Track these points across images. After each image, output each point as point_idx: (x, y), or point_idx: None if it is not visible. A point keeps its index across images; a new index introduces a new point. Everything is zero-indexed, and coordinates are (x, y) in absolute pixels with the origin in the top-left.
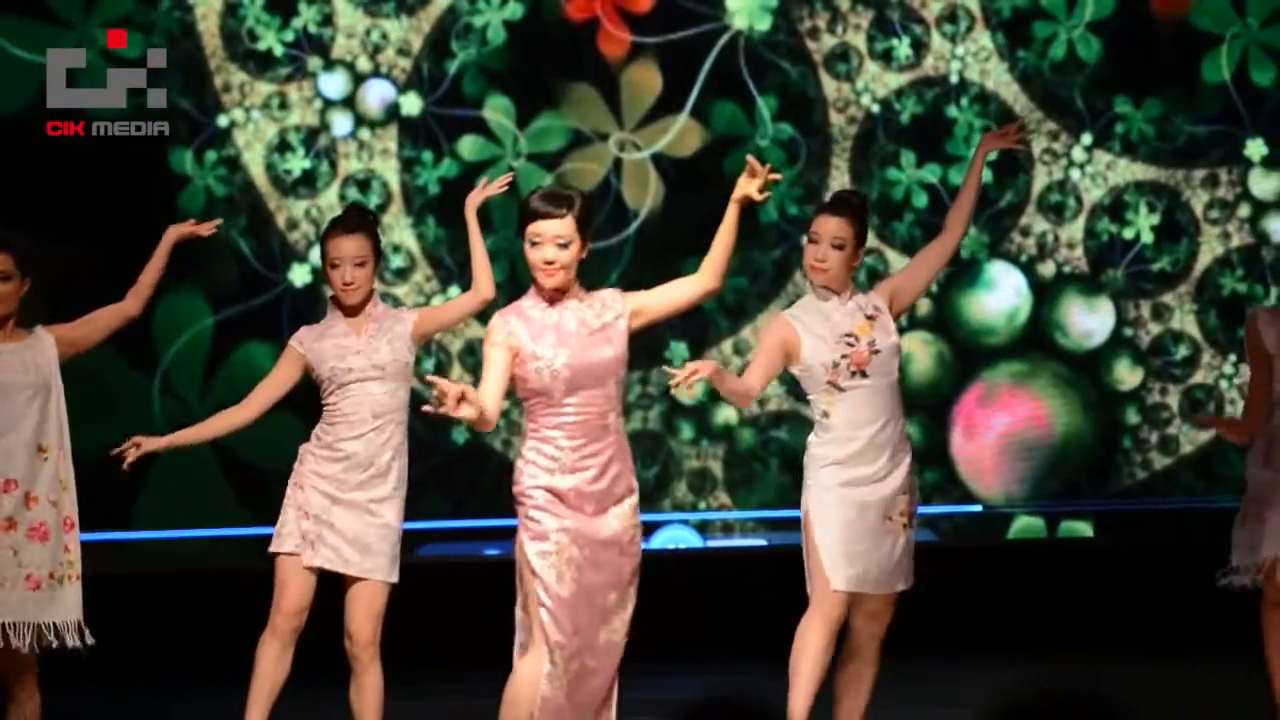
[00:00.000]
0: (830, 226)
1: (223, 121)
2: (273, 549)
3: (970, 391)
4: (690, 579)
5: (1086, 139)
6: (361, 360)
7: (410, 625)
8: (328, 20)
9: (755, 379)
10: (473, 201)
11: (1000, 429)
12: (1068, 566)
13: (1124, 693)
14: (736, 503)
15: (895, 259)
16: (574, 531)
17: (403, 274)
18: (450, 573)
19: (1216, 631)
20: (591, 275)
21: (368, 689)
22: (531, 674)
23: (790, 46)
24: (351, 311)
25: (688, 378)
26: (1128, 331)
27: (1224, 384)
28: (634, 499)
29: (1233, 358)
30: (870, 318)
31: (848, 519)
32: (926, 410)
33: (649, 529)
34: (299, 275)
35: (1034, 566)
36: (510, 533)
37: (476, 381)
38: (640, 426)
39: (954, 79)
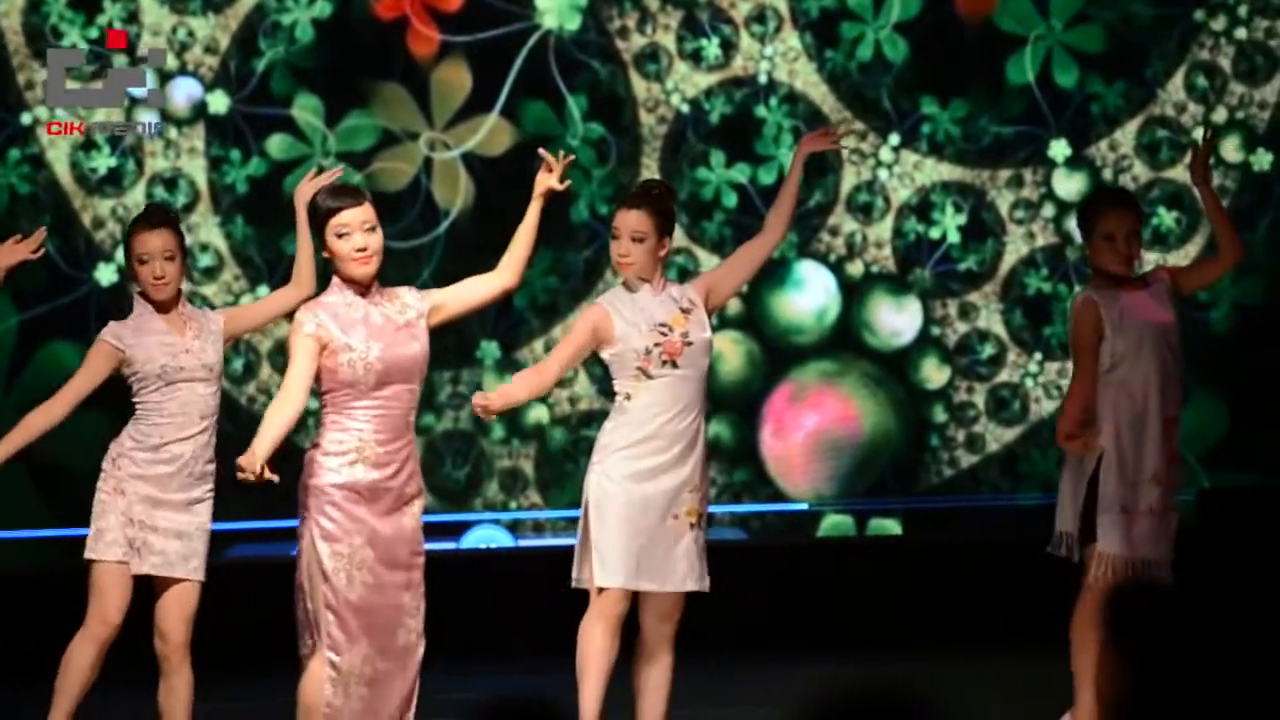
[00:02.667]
0: (630, 220)
1: (26, 119)
2: (92, 555)
3: (780, 390)
4: (501, 578)
5: (894, 139)
6: (192, 360)
7: (218, 626)
8: (133, 17)
9: (553, 367)
10: (303, 193)
11: (810, 428)
12: (876, 564)
13: (933, 688)
14: (548, 502)
15: (705, 258)
16: (369, 532)
17: (211, 273)
18: (256, 573)
19: (1023, 627)
20: (403, 274)
21: (178, 690)
22: (322, 676)
23: (600, 46)
24: (164, 308)
25: (484, 411)
26: (935, 330)
27: (1029, 382)
28: (423, 500)
29: (1038, 356)
30: (685, 310)
31: (628, 514)
32: (736, 409)
33: (460, 528)
34: (105, 274)
35: (843, 564)
36: None
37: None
38: (451, 426)
39: (763, 79)
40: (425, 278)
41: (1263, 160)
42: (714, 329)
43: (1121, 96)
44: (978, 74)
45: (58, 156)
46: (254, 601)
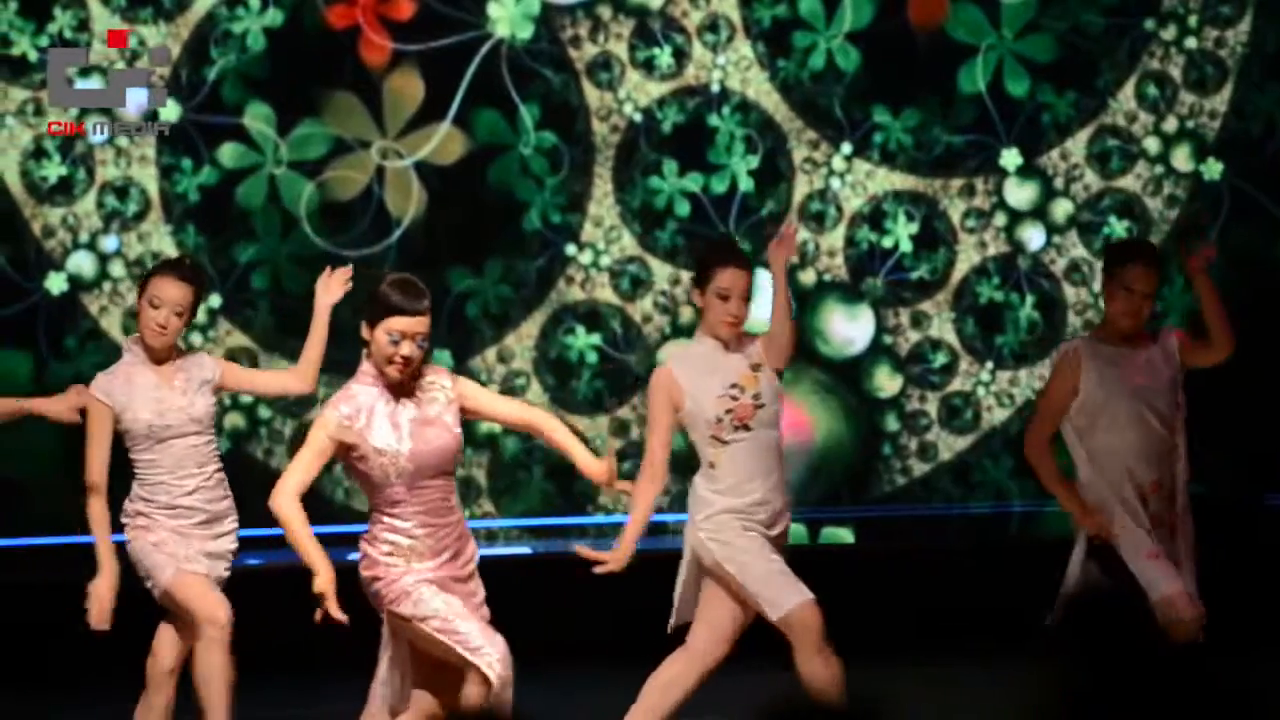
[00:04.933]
0: (744, 281)
1: None
2: (162, 585)
3: None
4: None
5: (846, 148)
6: (180, 416)
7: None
8: (83, 25)
9: (658, 455)
10: (330, 291)
11: None
12: (829, 572)
13: (884, 696)
14: (501, 511)
15: (658, 267)
16: (428, 577)
17: None
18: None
19: (975, 634)
20: (354, 283)
21: (157, 709)
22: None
23: (552, 55)
24: (156, 357)
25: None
26: (887, 339)
27: (980, 390)
28: (475, 562)
29: (990, 365)
30: (755, 367)
31: (760, 552)
32: None
33: None
34: (55, 284)
35: (796, 572)
36: (270, 541)
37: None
38: None
39: (715, 88)
40: None
41: (1213, 169)
42: (665, 337)
43: (1072, 106)
44: (929, 83)
45: (7, 165)
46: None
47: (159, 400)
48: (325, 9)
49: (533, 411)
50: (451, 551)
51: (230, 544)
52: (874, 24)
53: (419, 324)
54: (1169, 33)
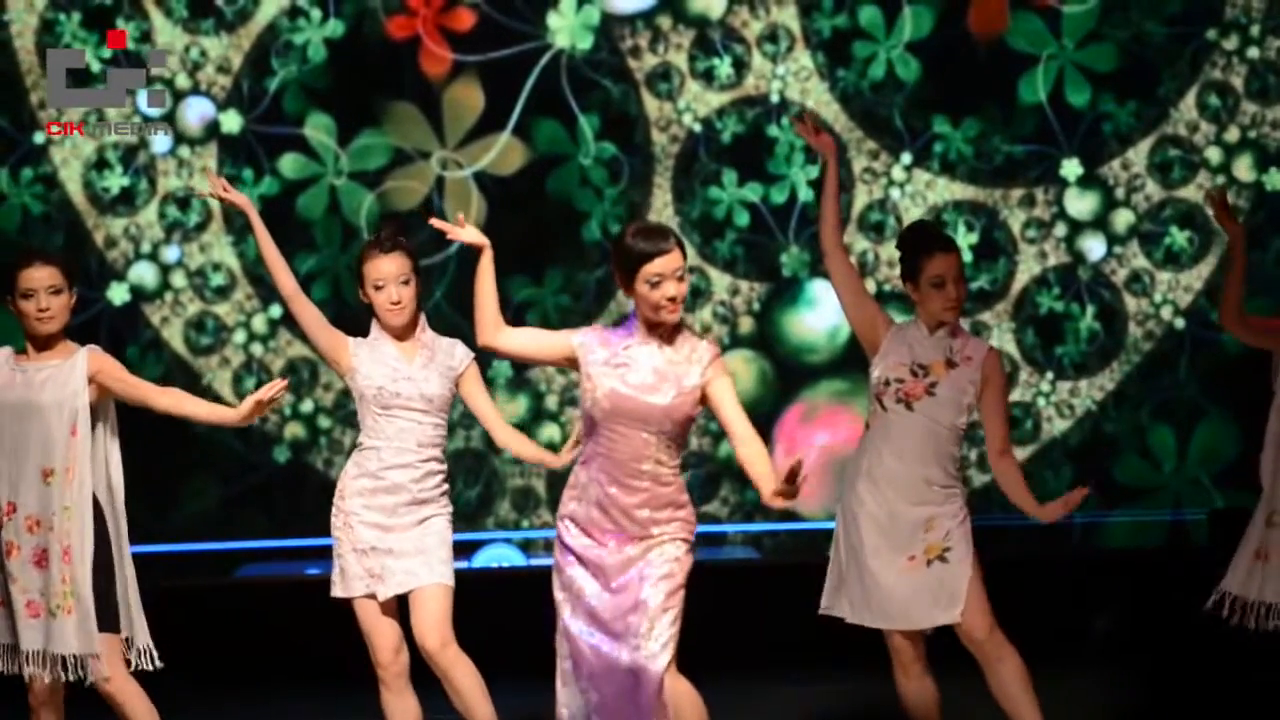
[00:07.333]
0: (955, 267)
1: (39, 139)
2: (340, 594)
3: (792, 409)
4: (513, 597)
5: (906, 158)
6: (412, 388)
7: (229, 644)
8: (146, 37)
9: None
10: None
11: (821, 447)
12: None
13: (944, 705)
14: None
15: (717, 277)
16: (587, 561)
17: (223, 292)
18: (271, 593)
19: (1032, 644)
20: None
21: (460, 687)
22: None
23: (612, 65)
24: (399, 334)
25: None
26: None
27: (1041, 401)
28: (663, 534)
29: (1050, 375)
30: (952, 364)
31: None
32: None
33: (472, 547)
34: (118, 294)
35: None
36: (329, 551)
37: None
38: (463, 445)
39: (775, 98)
40: (438, 296)
41: (1275, 180)
42: (725, 347)
43: (1134, 115)
44: (990, 93)
45: (70, 175)
46: (264, 620)
47: (395, 370)
48: (386, 20)
49: (751, 438)
50: (617, 512)
51: (439, 526)
52: (934, 34)
53: (673, 260)
54: (1231, 42)
